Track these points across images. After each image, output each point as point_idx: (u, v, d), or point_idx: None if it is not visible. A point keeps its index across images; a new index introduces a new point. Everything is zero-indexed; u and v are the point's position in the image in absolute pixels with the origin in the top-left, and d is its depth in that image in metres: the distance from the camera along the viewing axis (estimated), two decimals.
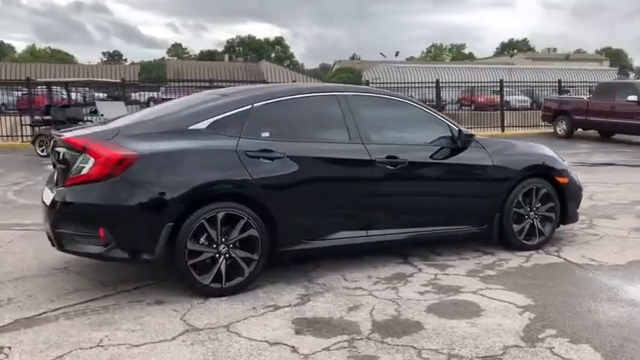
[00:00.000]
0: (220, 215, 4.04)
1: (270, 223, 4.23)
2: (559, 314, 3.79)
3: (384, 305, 3.95)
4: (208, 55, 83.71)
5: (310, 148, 4.42)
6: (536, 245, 5.30)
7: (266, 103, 4.44)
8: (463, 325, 3.61)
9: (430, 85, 19.62)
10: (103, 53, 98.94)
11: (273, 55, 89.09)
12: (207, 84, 18.24)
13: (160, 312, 3.85)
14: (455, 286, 4.35)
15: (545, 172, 5.36)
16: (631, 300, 4.07)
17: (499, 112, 20.06)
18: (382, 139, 4.74)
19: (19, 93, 20.84)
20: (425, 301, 4.03)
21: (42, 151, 13.46)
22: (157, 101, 31.13)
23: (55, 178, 4.37)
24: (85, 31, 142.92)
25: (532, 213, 5.28)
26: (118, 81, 17.89)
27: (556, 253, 5.24)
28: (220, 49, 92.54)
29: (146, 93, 29.66)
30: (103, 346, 3.35)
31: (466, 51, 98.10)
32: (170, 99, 28.83)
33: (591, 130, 17.90)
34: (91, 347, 3.33)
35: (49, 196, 4.44)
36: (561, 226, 5.65)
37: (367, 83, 20.90)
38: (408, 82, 20.18)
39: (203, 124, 4.19)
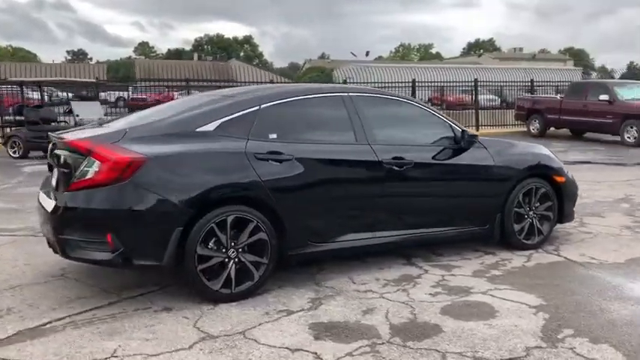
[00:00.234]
0: (230, 219, 3.95)
1: (278, 226, 4.16)
2: (572, 314, 3.81)
3: (398, 308, 3.92)
4: (176, 54, 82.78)
5: (318, 150, 4.36)
6: (535, 244, 5.35)
7: (273, 104, 4.36)
8: (481, 327, 3.60)
9: (407, 84, 19.71)
10: (68, 52, 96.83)
11: (242, 54, 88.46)
12: (183, 83, 17.95)
13: (170, 319, 3.74)
14: (464, 287, 4.35)
15: (543, 171, 5.41)
16: (638, 298, 4.12)
17: (471, 111, 20.28)
18: (387, 139, 4.71)
19: None
20: (438, 303, 4.02)
21: (14, 152, 13.08)
22: (126, 101, 30.62)
23: (55, 182, 4.21)
24: (48, 29, 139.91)
25: (531, 212, 5.32)
26: (94, 80, 17.49)
27: (555, 252, 5.29)
28: (188, 47, 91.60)
29: (114, 92, 29.01)
30: (117, 356, 3.24)
31: (433, 51, 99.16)
32: (142, 99, 28.19)
33: (563, 129, 18.27)
34: (106, 358, 3.21)
35: (47, 201, 4.29)
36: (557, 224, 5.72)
37: (345, 82, 20.85)
38: (383, 82, 20.22)
39: (211, 126, 4.09)
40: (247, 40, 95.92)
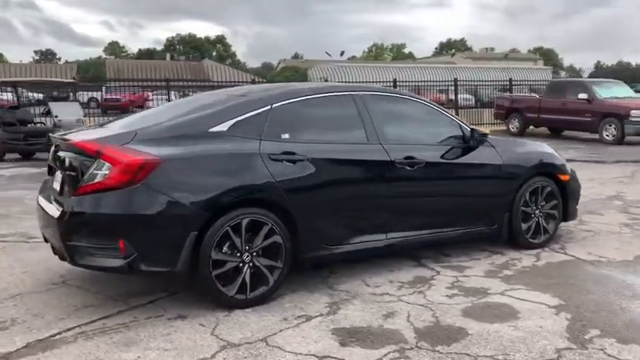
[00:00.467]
0: (245, 222, 3.83)
1: (292, 228, 4.04)
2: (594, 313, 3.78)
3: (418, 311, 3.84)
4: (147, 54, 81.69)
5: (331, 150, 4.27)
6: (542, 243, 5.34)
7: (285, 104, 4.25)
8: (506, 329, 3.54)
9: (388, 84, 19.73)
10: (35, 52, 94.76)
11: (214, 53, 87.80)
12: (163, 83, 17.68)
13: (186, 327, 3.60)
14: (480, 288, 4.29)
15: (549, 169, 5.40)
16: None
17: (451, 110, 20.39)
18: (398, 139, 4.64)
19: None
20: (457, 305, 3.95)
21: None
22: (99, 102, 30.03)
23: (59, 185, 4.03)
24: (13, 28, 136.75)
25: (537, 211, 5.31)
26: (73, 80, 17.08)
27: (562, 251, 5.28)
28: (159, 47, 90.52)
29: (85, 93, 28.39)
30: None
31: (406, 50, 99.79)
32: (115, 99, 27.60)
33: (542, 128, 18.49)
34: None
35: (49, 206, 4.12)
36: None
37: (326, 81, 20.74)
38: (364, 82, 20.20)
39: (224, 126, 3.96)
40: (220, 39, 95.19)
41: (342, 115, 4.51)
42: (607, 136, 15.68)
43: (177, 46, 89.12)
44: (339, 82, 21.87)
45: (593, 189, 8.44)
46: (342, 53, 58.87)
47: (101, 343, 3.37)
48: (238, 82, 22.47)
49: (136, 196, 3.57)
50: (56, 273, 4.68)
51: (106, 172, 3.59)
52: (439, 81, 22.16)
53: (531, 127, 18.49)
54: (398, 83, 20.16)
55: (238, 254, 3.85)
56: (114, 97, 31.17)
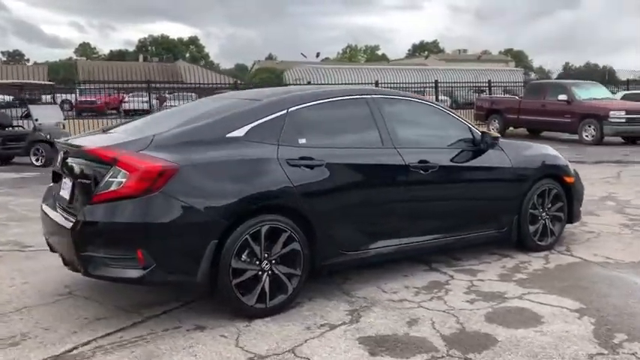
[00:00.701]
0: (264, 229, 3.73)
1: (310, 235, 3.96)
2: (616, 317, 3.77)
3: (441, 317, 3.79)
4: (119, 55, 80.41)
5: (348, 154, 4.19)
6: (548, 245, 5.35)
7: (300, 108, 4.16)
8: (533, 335, 3.51)
9: (370, 85, 19.74)
10: (2, 53, 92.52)
11: (187, 54, 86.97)
12: (144, 85, 17.39)
13: (207, 339, 3.49)
14: (497, 292, 4.26)
15: (555, 172, 5.41)
16: None
17: None
18: (411, 142, 4.58)
19: None
20: (478, 310, 3.91)
21: None
22: (74, 104, 29.37)
23: (68, 194, 3.88)
24: None
25: (544, 214, 5.31)
26: (52, 83, 16.69)
27: (569, 253, 5.30)
28: (131, 48, 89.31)
29: (58, 95, 27.74)
30: None
31: (379, 52, 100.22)
32: (90, 101, 26.98)
33: (521, 129, 18.71)
34: None
35: (56, 214, 3.97)
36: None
37: (309, 83, 20.63)
38: (344, 84, 20.17)
39: (241, 132, 3.86)
40: (193, 40, 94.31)
41: (356, 119, 4.44)
42: (586, 136, 15.93)
43: (150, 48, 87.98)
44: (315, 83, 21.78)
45: (585, 189, 8.51)
46: (317, 55, 58.95)
47: (123, 358, 3.25)
48: (217, 84, 22.26)
49: (154, 204, 3.45)
50: (60, 283, 4.52)
51: (123, 179, 3.46)
52: (420, 82, 22.26)
53: (511, 128, 18.70)
54: (379, 85, 20.17)
55: (257, 262, 3.75)
56: (88, 99, 30.55)
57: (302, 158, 3.95)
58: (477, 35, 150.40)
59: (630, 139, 16.34)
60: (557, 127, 16.96)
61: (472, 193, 4.87)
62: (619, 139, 16.49)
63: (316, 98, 4.31)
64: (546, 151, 5.62)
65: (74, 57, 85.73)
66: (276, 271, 3.82)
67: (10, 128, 13.21)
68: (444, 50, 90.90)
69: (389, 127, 4.46)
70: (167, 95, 27.02)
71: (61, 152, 4.05)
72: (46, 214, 4.14)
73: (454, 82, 22.63)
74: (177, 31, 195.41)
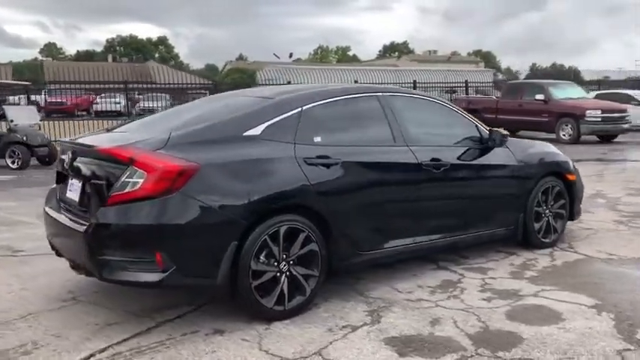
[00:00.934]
0: (283, 229, 3.65)
1: (327, 235, 3.89)
2: (634, 312, 3.78)
3: (462, 316, 3.76)
4: (86, 56, 78.96)
5: (362, 152, 4.14)
6: (552, 242, 5.38)
7: (315, 105, 4.08)
8: (557, 332, 3.50)
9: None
10: None
11: (157, 55, 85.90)
12: (121, 86, 17.06)
13: (229, 343, 3.39)
14: (511, 290, 4.25)
15: (558, 169, 5.45)
16: None
17: None
18: (422, 140, 4.55)
19: None
20: (498, 309, 3.89)
21: None
22: (43, 105, 28.63)
23: (78, 196, 3.73)
24: None
25: (547, 211, 5.34)
26: (28, 83, 16.22)
27: (572, 250, 5.33)
28: (99, 49, 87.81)
29: (23, 96, 27.00)
30: None
31: (350, 53, 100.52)
32: (59, 102, 26.26)
33: (498, 128, 18.91)
34: None
35: (62, 217, 3.82)
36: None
37: (289, 83, 20.46)
38: (316, 84, 20.08)
39: (257, 130, 3.76)
40: (162, 41, 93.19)
41: (368, 116, 4.39)
42: (563, 135, 16.20)
43: (118, 48, 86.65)
44: (295, 83, 21.65)
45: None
46: (290, 55, 58.79)
47: None
48: (193, 84, 21.95)
49: (174, 205, 3.33)
50: (62, 288, 4.37)
51: (140, 180, 3.33)
52: (400, 83, 22.32)
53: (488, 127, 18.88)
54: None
55: (276, 263, 3.66)
56: (58, 100, 29.86)
57: (319, 157, 3.88)
58: (445, 36, 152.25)
59: (605, 138, 16.70)
60: (535, 127, 17.19)
61: (481, 191, 4.86)
62: (594, 138, 16.84)
63: (329, 96, 4.24)
64: (549, 149, 5.65)
65: (39, 57, 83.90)
66: (294, 273, 3.74)
67: None
68: (414, 51, 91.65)
69: (400, 125, 4.42)
70: (139, 96, 26.52)
71: (69, 152, 3.89)
72: (51, 216, 3.98)
73: (433, 83, 22.73)
74: (145, 31, 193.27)
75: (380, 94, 4.50)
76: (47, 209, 4.11)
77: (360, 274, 4.52)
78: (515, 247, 5.31)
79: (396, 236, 4.31)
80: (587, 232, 5.97)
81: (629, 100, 19.58)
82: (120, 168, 3.41)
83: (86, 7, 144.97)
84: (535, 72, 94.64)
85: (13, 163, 12.14)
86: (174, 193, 3.33)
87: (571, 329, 3.54)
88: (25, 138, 11.99)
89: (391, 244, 4.28)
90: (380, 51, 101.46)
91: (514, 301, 4.03)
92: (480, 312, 3.83)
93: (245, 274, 3.51)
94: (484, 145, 4.90)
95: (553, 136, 16.36)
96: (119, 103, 29.72)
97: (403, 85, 21.70)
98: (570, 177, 5.52)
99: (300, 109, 3.99)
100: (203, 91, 34.79)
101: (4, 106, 12.50)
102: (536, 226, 5.24)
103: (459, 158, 4.67)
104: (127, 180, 3.36)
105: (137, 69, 50.18)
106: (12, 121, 11.95)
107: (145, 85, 18.62)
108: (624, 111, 16.33)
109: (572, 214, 5.62)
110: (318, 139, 3.98)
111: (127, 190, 3.35)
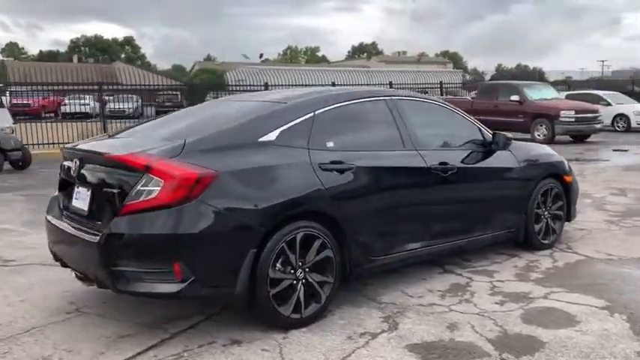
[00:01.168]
0: (299, 236, 3.59)
1: (341, 241, 3.84)
2: None
3: (479, 321, 3.75)
4: (49, 56, 77.16)
5: (374, 157, 4.10)
6: (550, 244, 5.43)
7: (326, 110, 4.03)
8: (576, 334, 3.52)
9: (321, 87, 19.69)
10: None
11: (123, 55, 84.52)
12: (95, 87, 16.69)
13: (249, 354, 3.31)
14: (521, 292, 4.27)
15: (556, 171, 5.50)
16: None
17: None
18: (428, 144, 4.54)
19: None
20: (512, 312, 3.90)
21: None
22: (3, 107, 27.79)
23: (86, 204, 3.60)
24: None
25: (546, 212, 5.39)
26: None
27: (571, 250, 5.40)
28: (62, 49, 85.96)
29: None
30: None
31: (319, 54, 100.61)
32: (24, 104, 25.46)
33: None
34: None
35: (67, 226, 3.69)
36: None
37: (267, 88, 20.17)
38: (297, 85, 20.03)
39: (272, 136, 3.69)
40: (128, 41, 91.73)
41: (377, 120, 4.36)
42: (538, 135, 16.45)
43: (83, 48, 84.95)
44: (274, 85, 21.47)
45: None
46: (261, 56, 58.53)
47: None
48: (165, 85, 21.61)
49: (191, 214, 3.24)
50: (62, 300, 4.23)
51: (157, 188, 3.23)
52: (373, 84, 22.42)
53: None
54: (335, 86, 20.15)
55: (292, 271, 3.60)
56: (23, 102, 29.07)
57: (333, 162, 3.82)
58: (412, 37, 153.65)
59: (578, 138, 17.02)
60: (510, 127, 17.28)
61: (487, 194, 4.88)
62: (567, 138, 17.16)
63: (340, 100, 4.19)
64: (546, 150, 5.71)
65: (0, 57, 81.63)
66: (310, 280, 3.68)
67: None
68: (383, 52, 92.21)
69: (408, 128, 4.40)
70: (108, 98, 26.00)
71: (75, 160, 3.74)
72: (54, 225, 3.84)
73: (407, 84, 22.90)
74: (110, 31, 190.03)
75: (388, 97, 4.48)
76: (50, 218, 3.96)
77: (367, 280, 4.48)
78: (515, 248, 5.35)
79: (406, 241, 4.29)
80: (581, 233, 6.05)
81: (598, 100, 20.08)
82: (134, 176, 3.30)
83: (48, 6, 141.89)
84: (501, 73, 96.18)
85: None
86: (192, 201, 3.24)
87: (588, 332, 3.56)
88: None
89: (402, 250, 4.26)
90: (349, 52, 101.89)
91: (526, 304, 4.04)
92: (495, 316, 3.83)
93: (263, 283, 3.44)
94: (487, 148, 4.92)
95: (528, 136, 16.60)
96: (87, 104, 29.16)
97: (379, 86, 21.79)
98: (567, 178, 5.58)
99: (312, 113, 3.93)
100: (175, 92, 34.38)
101: None
102: (537, 227, 5.28)
103: (464, 162, 4.68)
104: (142, 188, 3.25)
105: (104, 70, 49.27)
106: None
107: (120, 87, 18.15)
108: (597, 111, 16.70)
109: (569, 216, 5.68)
110: (330, 144, 3.93)
111: (142, 199, 3.25)
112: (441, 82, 22.48)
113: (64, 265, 3.88)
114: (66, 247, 3.75)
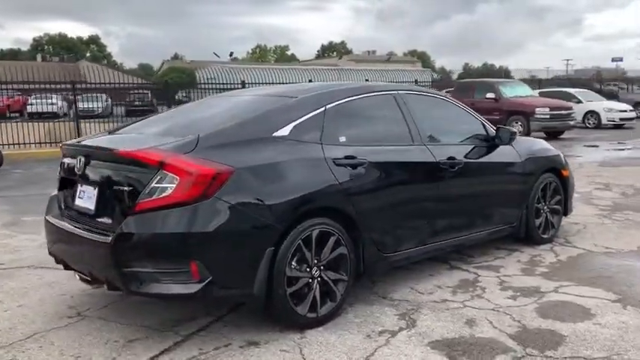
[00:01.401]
0: (315, 233, 3.50)
1: (355, 238, 3.76)
2: None
3: (495, 316, 3.71)
4: (11, 54, 75.16)
5: (385, 151, 4.03)
6: (549, 238, 5.44)
7: (337, 104, 3.94)
8: (595, 328, 3.51)
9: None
10: None
11: (88, 54, 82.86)
12: (68, 85, 16.25)
13: (269, 355, 3.20)
14: (530, 287, 4.25)
15: (554, 165, 5.51)
16: None
17: None
18: (435, 139, 4.48)
19: None
20: (526, 307, 3.87)
21: None
22: None
23: (93, 204, 3.44)
24: None
25: (545, 207, 5.41)
26: None
27: (570, 244, 5.42)
28: (24, 47, 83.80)
29: None
30: None
31: (289, 52, 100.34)
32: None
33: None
34: None
35: (69, 226, 3.53)
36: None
37: (244, 86, 19.87)
38: (271, 83, 19.86)
39: (285, 130, 3.58)
40: (94, 39, 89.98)
41: (387, 115, 4.29)
42: None
43: (47, 47, 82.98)
44: (242, 83, 21.22)
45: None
46: (231, 54, 58.03)
47: None
48: (142, 83, 21.18)
49: (208, 211, 3.11)
50: (61, 304, 4.06)
51: (172, 185, 3.10)
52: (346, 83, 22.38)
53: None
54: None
55: (308, 269, 3.51)
56: None
57: (346, 157, 3.74)
58: (379, 36, 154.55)
59: (552, 134, 17.27)
60: None
61: (491, 189, 4.85)
62: (541, 134, 17.39)
63: (349, 94, 4.10)
64: (545, 145, 5.72)
65: None
66: (325, 278, 3.59)
67: None
68: (353, 51, 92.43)
69: (416, 123, 4.34)
70: (71, 97, 25.33)
71: (79, 157, 3.56)
72: (56, 226, 3.67)
73: (384, 82, 22.92)
74: (74, 29, 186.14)
75: (396, 91, 4.42)
76: (50, 219, 3.78)
77: (375, 277, 4.41)
78: (514, 243, 5.35)
79: (415, 237, 4.23)
80: (576, 227, 6.09)
81: (570, 98, 20.43)
82: (147, 172, 3.15)
83: (9, 3, 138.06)
84: (467, 71, 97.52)
85: None
86: (208, 198, 3.11)
87: (606, 325, 3.55)
88: None
89: (411, 246, 4.20)
90: (318, 51, 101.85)
91: (539, 298, 4.02)
92: (510, 311, 3.80)
93: (280, 282, 3.33)
94: (491, 143, 4.89)
95: None
96: (55, 104, 28.42)
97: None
98: (565, 173, 5.61)
99: (324, 107, 3.84)
100: (145, 91, 33.78)
101: None
102: (537, 222, 5.29)
103: (470, 157, 4.64)
104: (156, 185, 3.11)
105: (69, 68, 48.18)
106: None
107: (93, 85, 17.68)
108: (570, 108, 16.99)
109: (566, 210, 5.71)
110: (342, 138, 3.84)
111: (155, 197, 3.11)
112: (416, 81, 22.56)
113: (67, 267, 3.70)
114: (70, 249, 3.58)
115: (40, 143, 15.80)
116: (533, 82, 29.44)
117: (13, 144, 15.45)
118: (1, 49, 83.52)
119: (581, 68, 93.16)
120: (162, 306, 3.87)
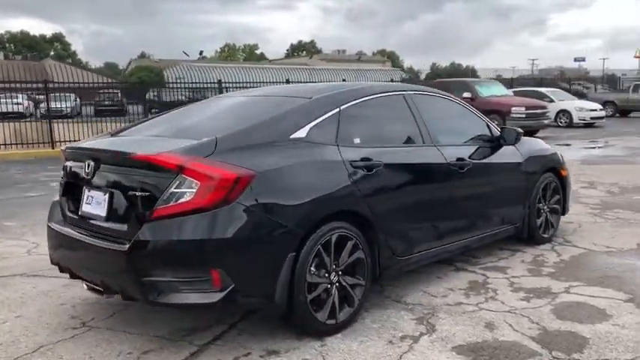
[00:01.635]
0: (334, 238, 3.41)
1: (371, 241, 3.69)
2: None
3: (514, 319, 3.68)
4: None
5: (399, 153, 3.97)
6: (549, 237, 5.47)
7: (350, 105, 3.85)
8: (614, 329, 3.50)
9: (280, 84, 19.44)
10: None
11: (52, 52, 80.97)
12: (41, 84, 15.76)
13: None
14: (541, 288, 4.24)
15: (554, 165, 5.53)
16: None
17: None
18: (444, 139, 4.42)
19: None
20: (541, 308, 3.85)
21: None
22: None
23: (104, 210, 3.28)
24: None
25: (546, 207, 5.42)
26: None
27: (570, 244, 5.44)
28: None
29: None
30: None
31: (258, 51, 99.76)
32: None
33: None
34: None
35: (80, 235, 3.38)
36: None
37: (220, 85, 19.62)
38: (250, 82, 19.69)
39: (302, 132, 3.48)
40: (58, 38, 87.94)
41: (398, 116, 4.22)
42: None
43: (8, 45, 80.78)
44: (219, 82, 20.95)
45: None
46: (200, 53, 57.44)
47: None
48: (120, 82, 20.73)
49: (229, 217, 2.99)
50: (62, 314, 3.89)
51: (191, 190, 2.97)
52: (320, 82, 22.30)
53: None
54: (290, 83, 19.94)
55: (326, 275, 3.42)
56: None
57: (362, 159, 3.65)
58: (348, 35, 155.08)
59: (527, 133, 17.45)
60: None
61: (497, 190, 4.83)
62: None
63: (362, 95, 4.02)
64: (544, 145, 5.74)
65: None
66: (343, 283, 3.51)
67: None
68: (322, 50, 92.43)
69: (426, 124, 4.29)
70: (40, 97, 24.60)
71: (88, 161, 3.39)
72: (61, 233, 3.49)
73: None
74: (35, 27, 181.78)
75: (405, 92, 4.36)
76: (53, 225, 3.61)
77: (385, 281, 4.33)
78: (515, 243, 5.35)
79: (427, 240, 4.18)
80: (572, 226, 6.13)
81: (542, 97, 20.76)
82: (165, 177, 3.02)
83: None
84: (435, 71, 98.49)
85: None
86: (230, 203, 2.99)
87: (625, 326, 3.55)
88: None
89: (423, 249, 4.14)
90: (287, 50, 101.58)
91: (552, 300, 4.01)
92: (527, 313, 3.77)
93: (301, 288, 3.24)
94: (495, 144, 4.88)
95: None
96: (20, 103, 27.62)
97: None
98: (564, 172, 5.63)
99: (338, 109, 3.75)
100: (115, 91, 33.14)
101: None
102: (538, 222, 5.30)
103: (477, 157, 4.61)
104: (175, 190, 2.98)
105: (32, 67, 46.92)
106: None
107: (65, 84, 17.19)
108: (545, 107, 17.25)
109: (564, 209, 5.74)
110: (357, 140, 3.76)
111: (176, 202, 2.98)
112: (391, 80, 22.62)
113: (73, 276, 3.53)
114: (78, 257, 3.41)
115: (8, 144, 15.28)
116: (505, 81, 29.78)
117: None
118: None
119: (545, 68, 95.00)
120: (169, 314, 3.74)
